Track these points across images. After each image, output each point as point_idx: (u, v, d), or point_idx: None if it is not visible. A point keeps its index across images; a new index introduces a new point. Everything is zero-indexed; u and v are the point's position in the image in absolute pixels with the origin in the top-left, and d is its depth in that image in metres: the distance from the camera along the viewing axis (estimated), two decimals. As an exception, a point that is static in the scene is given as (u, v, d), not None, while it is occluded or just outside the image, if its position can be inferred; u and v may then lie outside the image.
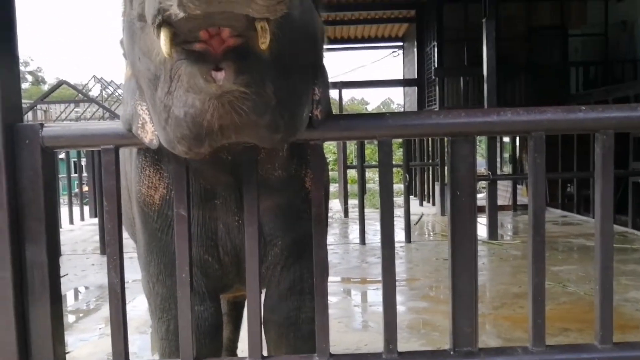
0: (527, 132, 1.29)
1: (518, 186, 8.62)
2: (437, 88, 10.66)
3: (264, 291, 1.52)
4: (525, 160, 9.87)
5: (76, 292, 4.76)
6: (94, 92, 16.63)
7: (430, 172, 9.72)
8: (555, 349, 1.32)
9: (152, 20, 0.89)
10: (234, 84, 0.94)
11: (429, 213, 8.86)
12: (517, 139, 8.55)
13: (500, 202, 6.70)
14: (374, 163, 10.25)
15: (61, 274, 1.35)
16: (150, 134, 1.17)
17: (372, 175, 16.64)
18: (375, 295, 4.35)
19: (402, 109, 17.53)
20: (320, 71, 1.25)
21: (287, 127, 1.08)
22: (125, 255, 1.29)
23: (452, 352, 1.30)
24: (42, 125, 1.25)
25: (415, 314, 3.75)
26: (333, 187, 11.18)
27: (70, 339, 3.32)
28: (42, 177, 1.24)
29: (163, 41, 0.90)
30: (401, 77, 14.09)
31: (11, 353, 1.22)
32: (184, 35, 0.91)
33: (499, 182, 6.68)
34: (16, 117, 1.24)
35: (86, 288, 4.85)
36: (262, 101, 1.00)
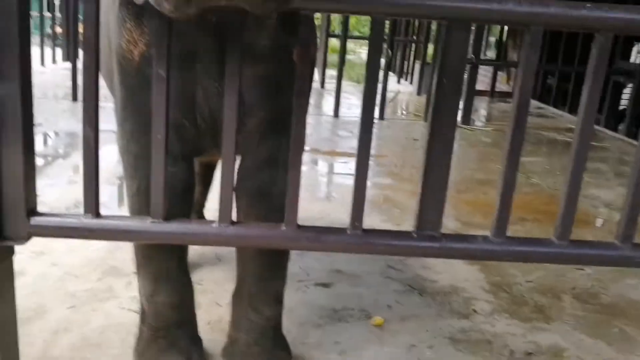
0: (526, 25, 1.25)
1: (499, 72, 8.54)
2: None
3: (238, 159, 1.51)
4: (511, 47, 9.75)
5: (46, 137, 4.72)
6: None
7: (413, 49, 9.52)
8: (514, 241, 1.36)
9: None
10: None
11: (405, 91, 8.83)
12: (505, 24, 8.34)
13: (478, 86, 6.66)
14: (356, 34, 9.94)
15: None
16: None
17: (353, 46, 16.21)
18: (342, 167, 4.45)
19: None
20: None
21: None
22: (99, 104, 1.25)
23: (415, 235, 1.33)
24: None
25: (379, 189, 3.86)
26: (312, 55, 10.90)
27: (39, 183, 3.33)
28: (16, 12, 1.15)
29: None
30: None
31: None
32: None
33: (480, 66, 6.61)
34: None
35: (56, 134, 4.80)
36: None
